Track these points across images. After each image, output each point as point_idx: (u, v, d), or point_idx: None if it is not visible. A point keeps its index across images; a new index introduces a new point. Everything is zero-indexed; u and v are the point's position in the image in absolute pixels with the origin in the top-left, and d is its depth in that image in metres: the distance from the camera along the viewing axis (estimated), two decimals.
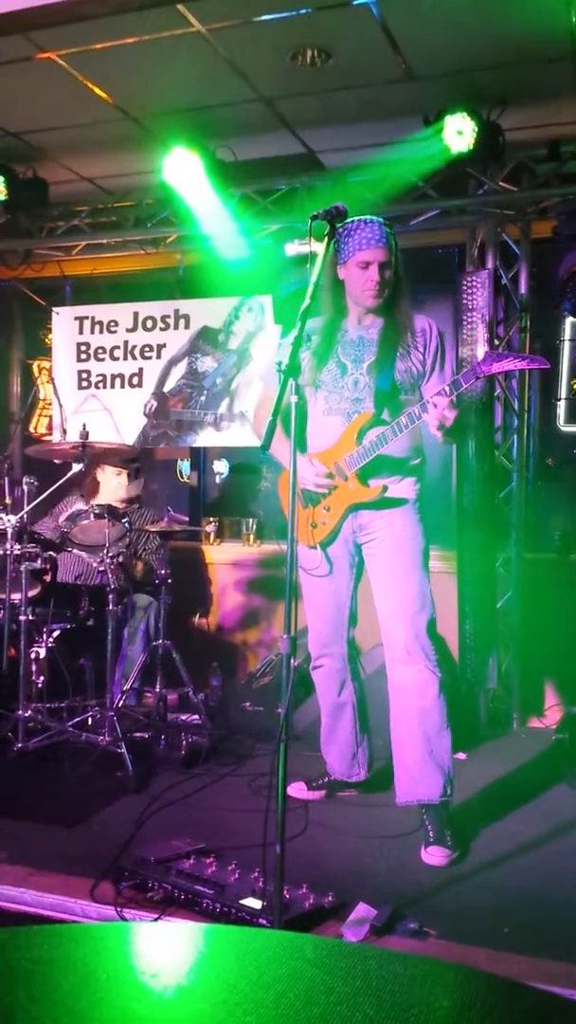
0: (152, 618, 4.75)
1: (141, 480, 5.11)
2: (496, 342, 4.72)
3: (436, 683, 3.12)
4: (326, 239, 2.59)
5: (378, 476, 3.17)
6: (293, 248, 5.21)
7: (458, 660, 4.75)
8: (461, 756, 4.02)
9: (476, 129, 4.25)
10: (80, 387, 5.89)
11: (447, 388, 2.93)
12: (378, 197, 4.85)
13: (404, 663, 3.15)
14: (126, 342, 5.78)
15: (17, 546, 3.93)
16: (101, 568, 4.02)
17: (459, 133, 4.27)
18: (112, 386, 5.83)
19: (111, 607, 3.93)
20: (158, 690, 4.26)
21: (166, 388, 5.69)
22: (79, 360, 5.90)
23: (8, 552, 3.94)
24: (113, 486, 4.94)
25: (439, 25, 3.73)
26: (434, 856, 2.98)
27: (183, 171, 4.75)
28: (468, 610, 4.75)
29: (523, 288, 4.88)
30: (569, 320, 4.99)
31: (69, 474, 4.29)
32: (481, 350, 4.54)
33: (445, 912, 2.64)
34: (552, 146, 4.67)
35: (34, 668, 4.06)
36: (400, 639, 3.15)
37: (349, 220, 2.99)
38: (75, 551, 4.24)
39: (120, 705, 4.00)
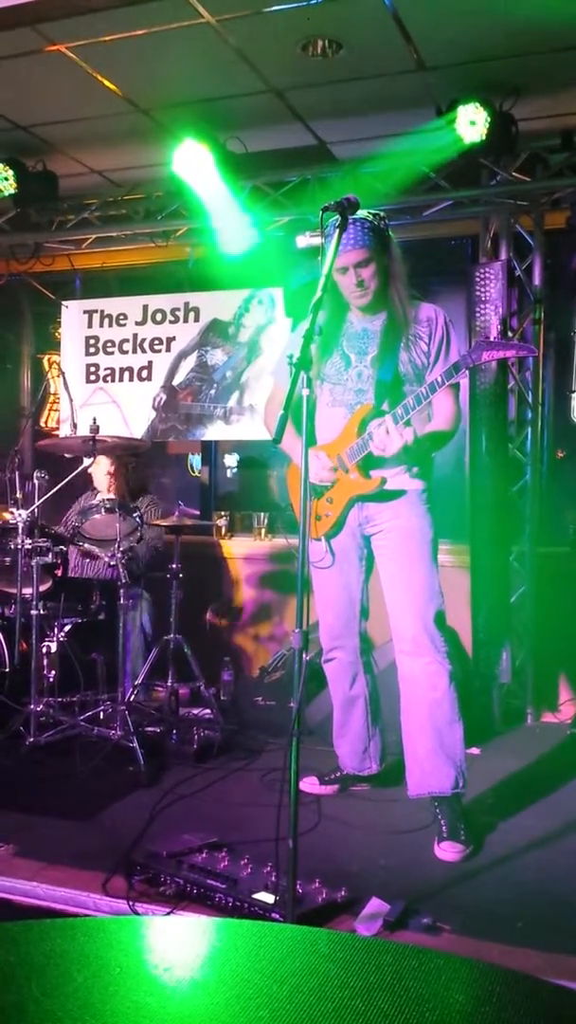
0: (146, 611, 4.75)
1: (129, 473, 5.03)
2: (510, 334, 4.69)
3: (445, 675, 3.10)
4: (337, 231, 2.57)
5: (381, 467, 3.15)
6: (304, 240, 5.20)
7: (471, 654, 4.73)
8: (475, 751, 4.00)
9: (489, 119, 4.21)
10: (88, 380, 5.89)
11: (424, 390, 2.94)
12: (390, 188, 4.82)
13: (412, 655, 3.14)
14: (135, 335, 5.78)
15: (28, 540, 3.94)
16: (112, 563, 4.02)
17: (471, 123, 4.24)
18: (121, 379, 5.82)
19: (122, 601, 3.92)
20: (170, 684, 4.25)
21: (175, 381, 5.68)
22: (88, 354, 5.89)
23: (19, 546, 3.94)
24: (102, 476, 4.91)
25: (451, 14, 3.69)
26: (447, 851, 2.97)
27: (193, 163, 4.73)
28: (481, 604, 4.73)
29: (537, 279, 4.85)
30: None
31: (79, 468, 4.29)
32: None
33: (458, 907, 2.63)
34: (565, 136, 4.63)
35: (45, 662, 4.06)
36: (408, 631, 3.14)
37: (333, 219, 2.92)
38: (86, 546, 4.24)
39: (131, 699, 4.00)
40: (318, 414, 3.25)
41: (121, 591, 3.92)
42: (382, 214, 3.14)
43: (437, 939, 2.43)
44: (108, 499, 4.24)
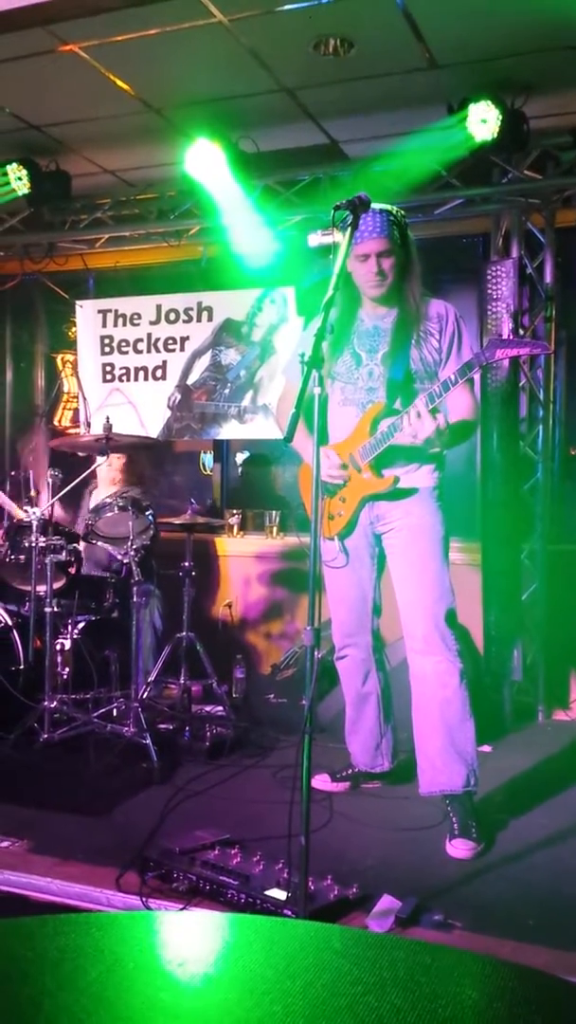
0: (157, 608, 4.76)
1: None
2: (521, 332, 4.68)
3: (456, 673, 3.10)
4: (349, 229, 2.57)
5: (393, 466, 3.16)
6: (316, 239, 5.20)
7: (483, 652, 4.73)
8: (486, 749, 4.00)
9: (500, 117, 4.21)
10: (104, 380, 5.91)
11: (438, 388, 2.93)
12: (402, 187, 4.81)
13: (423, 653, 3.14)
14: (149, 335, 5.79)
15: (42, 538, 3.96)
16: (125, 560, 4.03)
17: (483, 121, 4.24)
18: (136, 379, 5.84)
19: (135, 599, 3.94)
20: (182, 681, 4.27)
21: (190, 381, 5.70)
22: (103, 353, 5.91)
23: (33, 544, 3.96)
24: (110, 467, 4.93)
25: (462, 13, 3.69)
26: (459, 849, 2.97)
27: (205, 162, 4.74)
28: (493, 602, 4.73)
29: (548, 277, 4.84)
30: None
31: (93, 467, 4.31)
32: None
33: (470, 904, 2.63)
34: None
35: (59, 659, 4.09)
36: (419, 629, 3.14)
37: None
38: (99, 544, 4.26)
39: (144, 696, 4.01)
40: (330, 413, 3.26)
41: (134, 588, 3.94)
42: (403, 212, 3.17)
43: (449, 936, 2.44)
44: (121, 497, 4.26)
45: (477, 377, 4.02)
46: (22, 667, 4.12)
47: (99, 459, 4.30)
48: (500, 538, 4.75)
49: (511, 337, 4.31)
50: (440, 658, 3.11)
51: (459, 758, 3.08)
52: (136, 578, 3.95)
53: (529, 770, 3.88)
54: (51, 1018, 1.00)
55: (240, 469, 6.29)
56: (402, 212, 3.17)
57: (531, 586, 4.85)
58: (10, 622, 4.18)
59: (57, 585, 4.11)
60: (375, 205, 3.04)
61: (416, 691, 3.19)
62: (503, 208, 4.90)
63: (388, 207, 3.12)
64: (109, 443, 4.05)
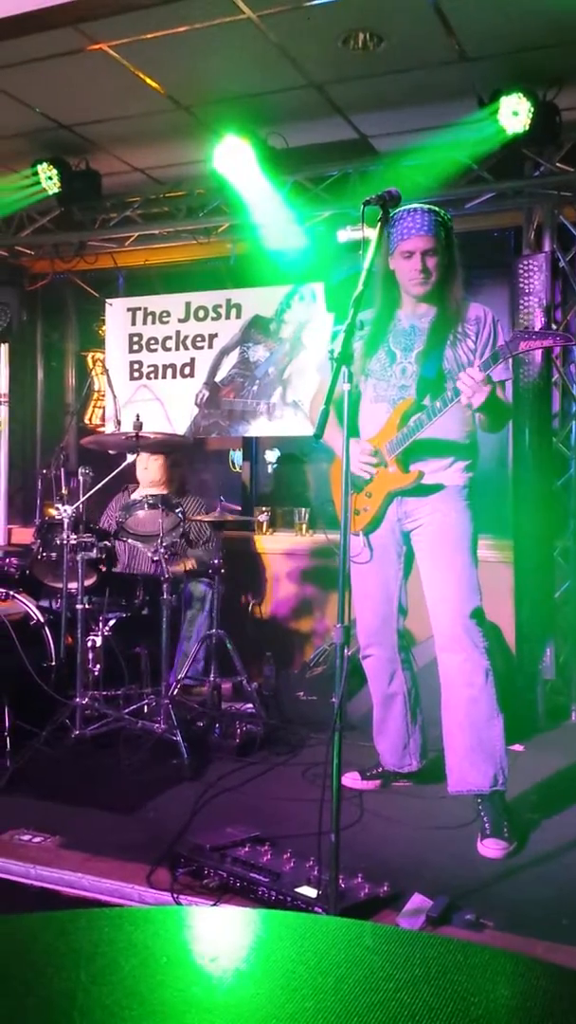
0: (212, 607, 4.77)
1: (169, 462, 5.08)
2: (554, 326, 4.63)
3: (482, 671, 3.07)
4: (379, 224, 2.56)
5: (422, 461, 3.14)
6: (345, 235, 5.18)
7: (515, 650, 4.69)
8: (518, 748, 3.97)
9: (532, 109, 4.17)
10: (132, 378, 5.94)
11: (479, 366, 2.89)
12: (432, 181, 4.78)
13: (450, 650, 3.12)
14: (178, 332, 5.81)
15: (73, 536, 3.98)
16: (155, 558, 4.05)
17: (514, 114, 4.20)
18: (164, 376, 5.86)
19: (165, 596, 3.95)
20: (212, 679, 4.28)
21: (218, 378, 5.70)
22: (131, 351, 5.94)
23: (65, 542, 3.99)
24: (145, 470, 4.95)
25: (492, 4, 3.66)
26: (490, 848, 2.95)
27: (234, 159, 4.75)
28: (525, 600, 4.69)
29: None
30: None
31: (123, 464, 4.33)
32: None
33: (502, 904, 2.61)
34: None
35: (91, 656, 4.11)
36: (447, 627, 3.12)
37: (399, 208, 2.97)
38: (130, 541, 4.28)
39: (175, 693, 4.03)
40: (362, 410, 3.26)
41: (164, 586, 3.95)
42: (450, 216, 3.17)
43: (480, 935, 2.42)
44: (151, 495, 4.27)
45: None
46: (54, 664, 4.15)
47: (129, 457, 4.32)
48: (532, 535, 4.71)
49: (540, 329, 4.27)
50: (466, 656, 3.09)
51: (487, 757, 3.06)
52: (165, 575, 3.96)
53: (562, 770, 3.84)
54: (85, 1011, 1.01)
55: (271, 467, 6.29)
56: (449, 216, 3.17)
57: (564, 584, 4.80)
58: (42, 619, 4.21)
59: (88, 582, 4.13)
60: (422, 204, 3.12)
61: (444, 690, 3.17)
62: (535, 201, 4.85)
63: (436, 208, 3.13)
64: (139, 440, 4.06)
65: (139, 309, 5.93)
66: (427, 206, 3.12)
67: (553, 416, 4.80)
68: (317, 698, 4.53)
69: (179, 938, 1.22)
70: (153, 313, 5.89)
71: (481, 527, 3.24)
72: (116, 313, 5.99)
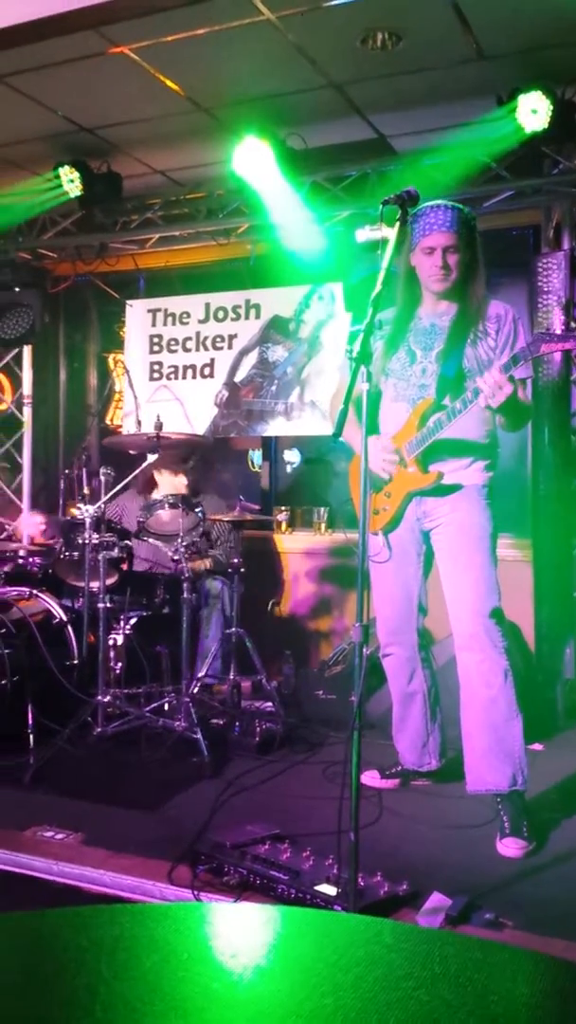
0: (226, 604, 4.79)
1: (192, 471, 5.10)
2: (573, 325, 4.62)
3: (501, 671, 3.07)
4: (397, 224, 2.57)
5: (441, 461, 3.14)
6: (364, 234, 5.18)
7: (534, 650, 4.68)
8: (538, 747, 3.96)
9: (551, 107, 4.16)
10: (152, 379, 5.97)
11: (499, 368, 2.88)
12: (450, 180, 4.77)
13: (468, 650, 3.12)
14: (198, 333, 5.83)
15: (95, 535, 4.01)
16: (175, 557, 4.07)
17: (533, 112, 4.19)
18: (184, 377, 5.89)
19: (185, 595, 3.97)
20: (232, 677, 4.30)
21: (237, 378, 5.72)
22: (151, 352, 5.97)
23: (87, 541, 4.02)
24: (170, 486, 4.98)
25: (510, 2, 3.65)
26: (510, 847, 2.95)
27: (254, 160, 4.76)
28: (545, 599, 4.68)
29: None
30: None
31: (144, 465, 4.35)
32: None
33: (521, 903, 2.61)
34: None
35: (112, 655, 4.15)
36: (466, 627, 3.12)
37: (420, 206, 2.97)
38: (150, 540, 4.30)
39: (195, 691, 4.05)
40: (382, 409, 3.26)
41: (184, 584, 3.98)
42: (474, 214, 3.16)
43: (499, 934, 2.42)
44: (171, 495, 4.29)
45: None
46: (76, 662, 4.19)
47: (150, 457, 4.34)
48: (552, 534, 4.69)
49: (561, 331, 4.26)
50: (484, 655, 3.08)
51: (505, 757, 3.06)
52: (186, 574, 3.98)
53: None
54: (107, 1006, 1.02)
55: (289, 467, 6.30)
56: (472, 214, 3.16)
57: None
58: (65, 618, 4.25)
59: (109, 581, 4.17)
60: (445, 201, 3.11)
61: (463, 689, 3.17)
62: (554, 199, 4.84)
63: (459, 205, 3.12)
64: (160, 441, 4.09)
65: (159, 310, 5.96)
66: (450, 203, 3.11)
67: (572, 415, 4.78)
68: (336, 697, 4.54)
69: (199, 934, 1.23)
70: (173, 314, 5.91)
71: (500, 526, 3.23)
72: (136, 314, 6.02)
